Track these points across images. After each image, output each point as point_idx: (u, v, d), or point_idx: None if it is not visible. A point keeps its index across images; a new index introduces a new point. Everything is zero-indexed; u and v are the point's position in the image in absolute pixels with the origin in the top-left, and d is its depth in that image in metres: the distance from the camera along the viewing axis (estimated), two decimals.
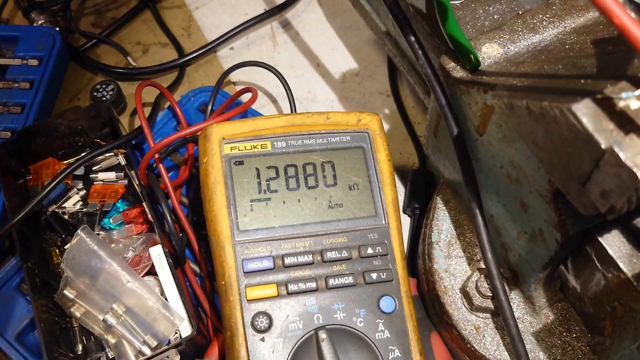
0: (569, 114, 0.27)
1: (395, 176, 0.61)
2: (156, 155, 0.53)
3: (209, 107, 0.62)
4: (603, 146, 0.26)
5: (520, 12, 0.46)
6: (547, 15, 0.42)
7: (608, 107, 0.27)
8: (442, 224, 0.49)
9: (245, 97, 0.59)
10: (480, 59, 0.40)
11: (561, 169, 0.30)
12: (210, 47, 0.70)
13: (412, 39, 0.42)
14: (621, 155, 0.25)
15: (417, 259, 0.53)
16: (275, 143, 0.47)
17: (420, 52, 0.42)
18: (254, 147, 0.47)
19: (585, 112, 0.27)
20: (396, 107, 0.66)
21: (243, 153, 0.47)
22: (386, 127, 0.65)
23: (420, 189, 0.59)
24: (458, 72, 0.41)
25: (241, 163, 0.46)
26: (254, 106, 0.58)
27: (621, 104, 0.26)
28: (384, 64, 0.69)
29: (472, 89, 0.39)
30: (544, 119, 0.30)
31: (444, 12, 0.42)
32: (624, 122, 0.26)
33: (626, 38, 0.24)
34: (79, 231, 0.49)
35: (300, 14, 0.74)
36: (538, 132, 0.31)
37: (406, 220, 0.59)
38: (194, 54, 0.69)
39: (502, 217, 0.43)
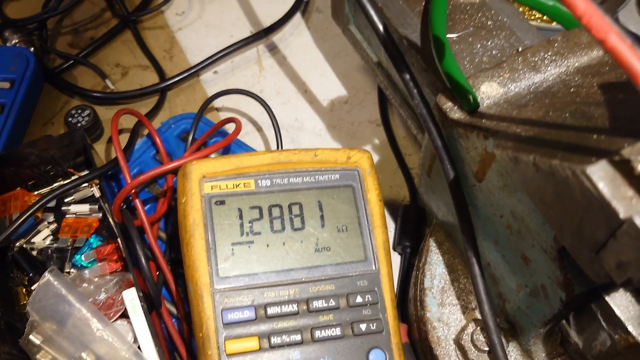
0: (583, 177, 0.25)
1: (385, 211, 0.59)
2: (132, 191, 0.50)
3: (190, 136, 0.59)
4: (621, 216, 0.24)
5: (520, 49, 0.44)
6: (549, 53, 0.40)
7: (626, 170, 0.24)
8: (435, 269, 0.47)
9: (229, 126, 0.56)
10: (479, 100, 0.37)
11: (572, 233, 0.28)
12: (193, 71, 0.67)
13: (407, 76, 0.39)
14: None
15: (408, 303, 0.50)
16: (259, 181, 0.44)
17: (415, 90, 0.39)
18: (237, 185, 0.44)
19: (601, 175, 0.24)
20: (386, 137, 0.63)
21: (225, 192, 0.44)
22: (376, 158, 0.62)
23: (412, 226, 0.56)
24: (455, 114, 0.38)
25: (222, 203, 0.43)
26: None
27: None
28: (374, 91, 0.66)
29: (470, 133, 0.37)
30: (553, 179, 0.27)
31: (441, 48, 0.40)
32: None
33: None
34: (46, 273, 0.46)
35: (287, 37, 0.71)
36: (546, 191, 0.28)
37: (396, 258, 0.56)
38: (176, 78, 0.66)
39: (500, 266, 0.40)
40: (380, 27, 0.39)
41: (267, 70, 0.69)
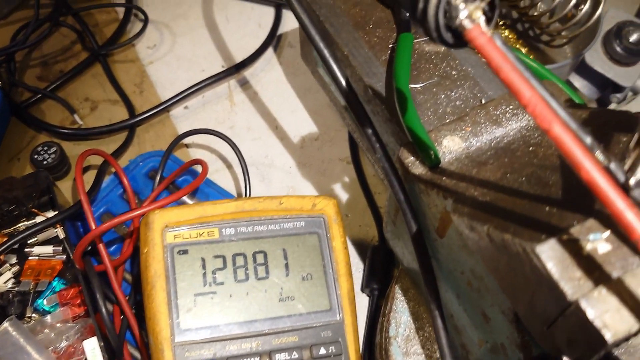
0: (533, 255, 0.25)
1: (354, 251, 0.59)
2: None
3: (158, 175, 0.58)
4: (569, 298, 0.24)
5: (483, 100, 0.44)
6: (511, 107, 0.40)
7: (574, 250, 0.24)
8: (401, 317, 0.47)
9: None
10: (440, 155, 0.38)
11: (524, 304, 0.28)
12: (163, 106, 0.66)
13: (370, 131, 0.39)
14: (588, 312, 0.23)
15: (375, 348, 0.50)
16: (223, 230, 0.44)
17: (377, 145, 0.39)
18: (200, 234, 0.44)
19: (550, 255, 0.25)
20: (356, 175, 0.63)
21: (188, 241, 0.43)
22: (346, 196, 0.62)
23: (380, 268, 0.56)
24: (417, 169, 0.38)
25: (185, 252, 0.43)
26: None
27: (589, 247, 0.24)
28: (344, 128, 0.66)
29: (431, 191, 0.37)
30: (506, 251, 0.27)
31: (404, 101, 0.40)
32: (592, 268, 0.24)
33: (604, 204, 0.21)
34: (5, 323, 0.45)
35: (259, 72, 0.71)
36: (500, 261, 0.29)
37: (364, 300, 0.56)
38: (146, 114, 0.66)
39: (462, 319, 0.40)
40: (343, 82, 0.39)
41: (238, 106, 0.69)
